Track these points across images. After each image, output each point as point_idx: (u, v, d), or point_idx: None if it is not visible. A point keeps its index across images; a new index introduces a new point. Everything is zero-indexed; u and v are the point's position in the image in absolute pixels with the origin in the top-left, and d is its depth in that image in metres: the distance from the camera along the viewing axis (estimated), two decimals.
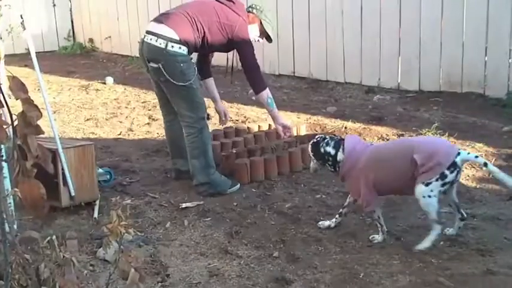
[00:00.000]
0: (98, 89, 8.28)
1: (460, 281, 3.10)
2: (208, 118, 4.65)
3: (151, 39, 4.30)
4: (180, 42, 4.27)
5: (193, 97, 4.39)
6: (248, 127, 5.67)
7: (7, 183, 2.98)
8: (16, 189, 1.86)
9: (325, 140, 3.76)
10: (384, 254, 3.49)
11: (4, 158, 1.85)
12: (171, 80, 4.28)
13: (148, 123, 6.53)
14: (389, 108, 6.83)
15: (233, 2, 4.53)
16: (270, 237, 3.76)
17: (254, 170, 4.73)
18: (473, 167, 4.86)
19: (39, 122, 1.82)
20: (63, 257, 2.01)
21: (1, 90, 1.77)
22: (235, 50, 4.61)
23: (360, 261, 3.40)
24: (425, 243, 3.48)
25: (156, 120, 6.38)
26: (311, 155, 3.83)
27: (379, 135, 5.68)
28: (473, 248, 3.53)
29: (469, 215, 4.00)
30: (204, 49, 4.52)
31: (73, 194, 4.05)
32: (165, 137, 5.02)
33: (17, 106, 1.82)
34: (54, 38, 11.91)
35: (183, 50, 4.29)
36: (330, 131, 5.79)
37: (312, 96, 7.61)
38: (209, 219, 4.06)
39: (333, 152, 3.70)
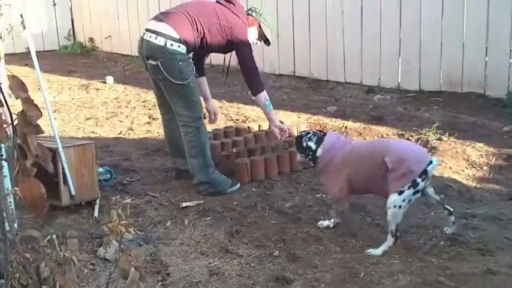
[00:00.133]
0: (98, 88, 8.27)
1: (460, 280, 3.10)
2: (204, 117, 4.65)
3: (150, 37, 4.30)
4: (180, 41, 4.28)
5: (190, 96, 4.40)
6: (248, 126, 5.67)
7: (7, 182, 2.98)
8: (16, 188, 1.87)
9: (308, 135, 3.89)
10: (384, 253, 3.48)
11: (4, 157, 1.85)
12: (169, 78, 4.28)
13: (148, 123, 6.53)
14: (389, 108, 6.83)
15: (233, 4, 4.54)
16: (271, 236, 3.76)
17: (254, 170, 4.73)
18: (474, 167, 4.86)
19: (39, 121, 1.82)
20: (64, 256, 2.01)
21: (1, 90, 1.77)
22: (232, 51, 4.62)
23: (360, 260, 3.40)
24: (377, 251, 3.47)
25: (156, 119, 6.37)
26: (295, 148, 3.98)
27: (379, 135, 5.68)
28: (474, 248, 3.53)
29: (469, 215, 4.01)
30: (202, 49, 4.52)
31: (73, 193, 4.04)
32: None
33: (17, 105, 1.82)
34: (54, 37, 11.90)
35: (182, 48, 4.29)
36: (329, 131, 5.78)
37: (312, 96, 7.60)
38: (209, 218, 4.06)
39: (314, 147, 3.81)
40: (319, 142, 3.80)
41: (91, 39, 11.82)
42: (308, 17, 8.19)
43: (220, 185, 4.50)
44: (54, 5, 11.93)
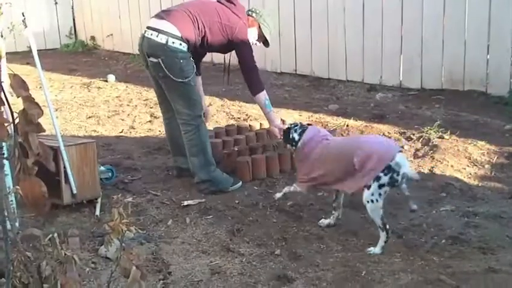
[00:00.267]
0: (99, 87, 8.28)
1: (461, 279, 3.10)
2: (205, 115, 4.65)
3: (151, 35, 4.30)
4: (181, 38, 4.28)
5: (190, 94, 4.40)
6: (250, 125, 5.66)
7: (9, 181, 2.99)
8: (17, 186, 1.87)
9: (295, 127, 4.01)
10: (385, 252, 3.49)
11: (5, 155, 1.85)
12: (170, 76, 4.28)
13: (150, 121, 6.53)
14: (391, 106, 6.82)
15: (234, 4, 4.55)
16: (272, 235, 3.76)
17: (256, 168, 4.73)
18: (475, 165, 4.85)
19: (40, 120, 1.82)
20: (65, 254, 2.01)
21: (2, 88, 1.77)
22: (231, 51, 4.62)
23: (361, 259, 3.40)
24: (376, 249, 3.51)
25: (158, 118, 6.37)
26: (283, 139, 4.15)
27: (381, 133, 5.67)
28: (475, 246, 3.52)
29: (471, 213, 4.01)
30: (203, 48, 4.52)
31: (75, 191, 4.05)
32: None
33: (18, 104, 1.82)
34: (55, 36, 11.91)
35: (184, 46, 4.30)
36: (331, 129, 5.78)
37: (314, 94, 7.60)
38: (211, 217, 4.06)
39: (296, 138, 3.94)
40: (301, 134, 3.94)
41: (92, 38, 11.83)
42: (310, 14, 8.19)
43: (222, 184, 4.50)
44: (56, 3, 11.93)
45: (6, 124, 1.77)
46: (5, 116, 1.80)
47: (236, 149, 4.96)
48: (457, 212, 4.04)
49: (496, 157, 4.98)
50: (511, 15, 6.42)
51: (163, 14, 4.45)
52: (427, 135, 5.45)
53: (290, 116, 6.24)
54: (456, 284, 3.05)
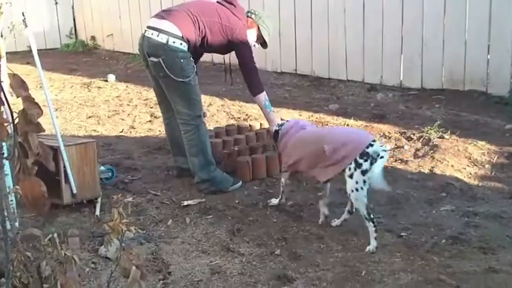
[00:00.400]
0: (99, 87, 8.28)
1: (462, 279, 3.10)
2: (204, 115, 4.66)
3: (152, 34, 4.31)
4: (182, 38, 4.28)
5: (190, 94, 4.40)
6: (250, 125, 5.66)
7: (9, 181, 2.98)
8: (17, 186, 1.87)
9: (281, 122, 4.25)
10: (385, 251, 3.49)
11: (5, 155, 1.85)
12: (171, 75, 4.28)
13: (150, 121, 6.54)
14: (391, 106, 6.82)
15: (234, 5, 4.56)
16: (272, 235, 3.76)
17: (256, 168, 4.73)
18: (475, 165, 4.85)
19: (40, 120, 1.82)
20: (65, 254, 2.01)
21: (2, 88, 1.77)
22: (230, 52, 4.63)
23: (361, 259, 3.40)
24: (372, 245, 3.51)
25: (158, 117, 6.37)
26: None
27: (381, 132, 5.68)
28: (475, 246, 3.52)
29: (471, 213, 4.00)
30: (203, 48, 4.52)
31: (75, 191, 4.05)
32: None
33: (18, 104, 1.82)
34: (56, 36, 11.92)
35: (184, 46, 4.30)
36: None
37: (314, 94, 7.60)
38: (211, 216, 4.06)
39: (278, 130, 4.19)
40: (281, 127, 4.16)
41: (93, 38, 11.83)
42: (310, 14, 8.19)
43: (222, 183, 4.50)
44: (56, 3, 11.95)
45: (6, 124, 1.77)
46: (4, 116, 1.80)
47: (236, 148, 4.96)
48: (457, 212, 4.04)
49: (496, 157, 4.98)
50: None
51: (163, 14, 4.45)
52: (427, 135, 5.45)
53: (290, 116, 6.23)
54: (456, 284, 3.05)
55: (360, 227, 3.83)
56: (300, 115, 6.46)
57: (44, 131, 1.85)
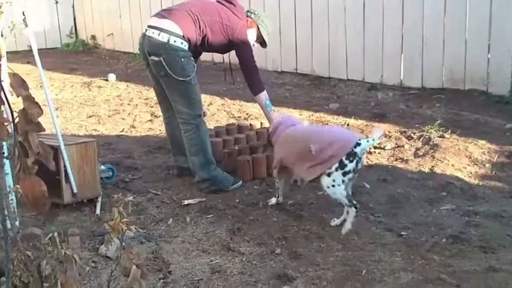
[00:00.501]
0: (100, 86, 8.29)
1: (462, 278, 3.10)
2: (204, 115, 4.66)
3: (153, 33, 4.30)
4: (183, 37, 4.29)
5: (190, 93, 4.40)
6: (250, 124, 5.66)
7: (9, 180, 2.99)
8: (17, 186, 1.87)
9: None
10: (386, 251, 3.49)
11: (5, 155, 1.85)
12: (172, 74, 4.28)
13: (150, 120, 6.54)
14: (391, 105, 6.82)
15: (234, 4, 4.56)
16: (272, 234, 3.76)
17: (256, 167, 4.73)
18: (476, 164, 4.85)
19: (41, 119, 1.82)
20: (65, 253, 2.01)
21: (2, 88, 1.77)
22: (230, 51, 4.64)
23: (362, 258, 3.40)
24: (348, 225, 3.67)
25: (158, 117, 6.37)
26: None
27: None
28: (476, 245, 3.52)
29: (471, 212, 4.00)
30: (203, 47, 4.52)
31: (75, 190, 4.05)
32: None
33: (18, 103, 1.83)
34: (56, 35, 11.93)
35: (185, 45, 4.30)
36: None
37: (315, 93, 7.61)
38: (211, 216, 4.06)
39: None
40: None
41: (93, 37, 11.84)
42: (310, 13, 8.19)
43: (222, 183, 4.50)
44: (56, 2, 11.96)
45: (6, 123, 1.77)
46: (5, 115, 1.80)
47: (237, 148, 4.96)
48: (457, 211, 4.04)
49: (496, 156, 4.98)
50: None
51: (164, 13, 4.45)
52: (427, 134, 5.45)
53: (290, 115, 6.23)
54: (456, 283, 3.05)
55: (361, 226, 3.84)
56: (301, 114, 6.46)
57: (44, 130, 1.85)
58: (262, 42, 4.77)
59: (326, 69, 8.13)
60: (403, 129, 5.74)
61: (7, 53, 3.65)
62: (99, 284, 3.14)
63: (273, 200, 4.20)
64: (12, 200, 3.01)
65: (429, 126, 5.59)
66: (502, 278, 3.09)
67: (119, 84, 8.38)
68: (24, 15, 3.98)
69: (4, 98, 1.77)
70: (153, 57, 4.33)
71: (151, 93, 7.28)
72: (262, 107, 4.63)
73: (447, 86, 7.05)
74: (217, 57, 7.70)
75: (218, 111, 6.74)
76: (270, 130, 4.25)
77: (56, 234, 2.04)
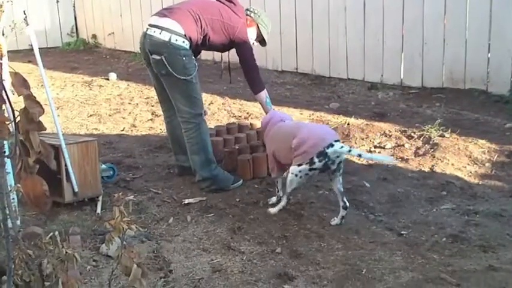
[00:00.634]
0: (101, 85, 8.29)
1: (462, 277, 3.11)
2: (205, 114, 4.66)
3: (154, 32, 4.31)
4: (184, 36, 4.29)
5: (191, 92, 4.41)
6: (251, 123, 5.66)
7: (10, 179, 3.00)
8: (19, 185, 1.87)
9: None
10: (386, 250, 3.49)
11: (7, 154, 1.86)
12: (173, 73, 4.28)
13: (151, 119, 6.54)
14: (392, 104, 6.83)
15: (234, 3, 4.57)
16: (273, 233, 3.77)
17: (257, 166, 4.73)
18: (476, 164, 4.86)
19: (42, 118, 1.83)
20: (66, 252, 2.02)
21: (4, 87, 1.77)
22: (230, 50, 4.65)
23: (362, 257, 3.41)
24: (275, 209, 4.02)
25: (159, 116, 6.38)
26: None
27: (381, 131, 5.68)
28: (476, 245, 3.53)
29: (471, 212, 4.01)
30: (204, 46, 4.53)
31: (76, 189, 4.06)
32: None
33: (19, 102, 1.83)
34: (57, 34, 11.93)
35: (186, 44, 4.30)
36: (332, 128, 5.77)
37: (315, 93, 7.61)
38: (212, 215, 4.07)
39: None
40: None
41: (94, 36, 11.84)
42: (311, 13, 8.19)
43: (223, 182, 4.51)
44: (57, 1, 11.95)
45: (7, 122, 1.77)
46: (6, 115, 1.81)
47: (237, 147, 4.96)
48: (457, 211, 4.04)
49: (496, 155, 4.98)
50: None
51: (165, 12, 4.46)
52: (427, 133, 5.45)
53: (291, 115, 6.22)
54: (457, 282, 3.06)
55: (361, 225, 3.84)
56: (301, 113, 6.47)
57: (45, 129, 1.85)
58: (261, 41, 4.78)
59: (326, 69, 8.13)
60: (403, 129, 5.74)
61: (8, 52, 3.66)
62: (100, 283, 3.15)
63: (274, 199, 4.21)
64: (13, 199, 3.02)
65: (429, 126, 5.60)
66: (502, 277, 3.09)
67: (119, 83, 8.38)
68: (25, 14, 3.99)
69: (5, 97, 1.78)
70: (154, 56, 4.33)
71: (152, 92, 7.29)
72: (262, 105, 4.64)
73: (447, 85, 7.05)
74: (217, 56, 7.70)
75: (219, 110, 6.74)
76: (261, 127, 4.38)
77: (57, 233, 2.05)
